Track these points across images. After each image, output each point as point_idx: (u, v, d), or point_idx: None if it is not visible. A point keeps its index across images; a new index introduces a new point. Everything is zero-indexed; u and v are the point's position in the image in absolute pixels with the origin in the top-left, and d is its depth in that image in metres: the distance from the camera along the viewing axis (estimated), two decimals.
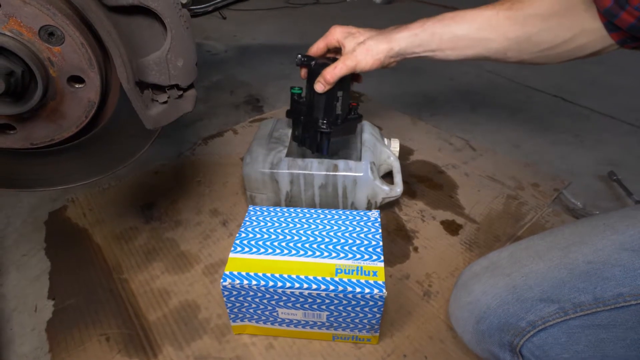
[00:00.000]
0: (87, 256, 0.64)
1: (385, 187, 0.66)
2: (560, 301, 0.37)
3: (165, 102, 0.43)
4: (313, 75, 0.60)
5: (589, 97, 1.14)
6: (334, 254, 0.49)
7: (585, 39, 0.49)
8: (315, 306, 0.47)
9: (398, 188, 0.67)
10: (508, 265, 0.42)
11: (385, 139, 0.76)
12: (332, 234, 0.52)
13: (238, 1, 0.67)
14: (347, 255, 0.49)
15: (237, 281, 0.45)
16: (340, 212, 0.56)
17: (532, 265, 0.40)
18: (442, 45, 0.56)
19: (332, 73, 0.58)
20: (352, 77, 0.65)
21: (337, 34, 0.61)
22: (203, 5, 0.65)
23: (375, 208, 0.68)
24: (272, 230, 0.53)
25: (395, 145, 0.76)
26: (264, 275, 0.46)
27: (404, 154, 0.88)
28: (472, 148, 0.91)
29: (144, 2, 0.37)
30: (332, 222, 0.54)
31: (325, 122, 0.61)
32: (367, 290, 0.44)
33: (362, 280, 0.45)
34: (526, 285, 0.39)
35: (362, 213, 0.56)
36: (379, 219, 0.55)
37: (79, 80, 0.39)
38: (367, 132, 0.72)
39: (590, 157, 0.90)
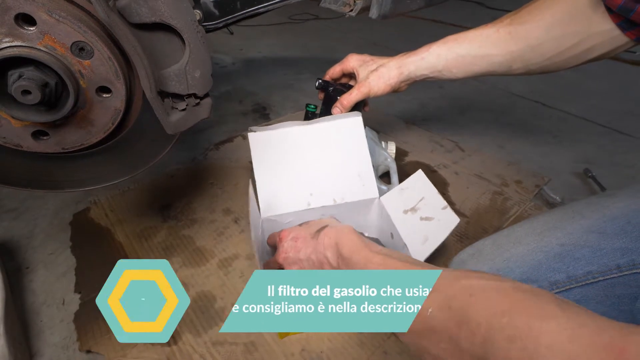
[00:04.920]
0: (110, 253, 0.65)
1: (384, 187, 0.67)
2: (538, 280, 0.38)
3: (184, 110, 0.44)
4: (329, 98, 0.63)
5: (567, 102, 1.16)
6: None
7: (592, 42, 0.47)
8: None
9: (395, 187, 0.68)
10: (491, 252, 0.43)
11: (383, 142, 0.78)
12: None
13: (246, 18, 0.68)
14: None
15: None
16: None
17: (513, 250, 0.42)
18: (448, 65, 0.57)
19: (348, 99, 0.60)
20: (362, 104, 0.67)
21: (352, 62, 0.63)
22: (214, 22, 0.66)
23: None
24: None
25: (391, 147, 0.77)
26: None
27: (400, 155, 0.89)
28: (461, 149, 0.93)
29: (165, 20, 0.38)
30: None
31: None
32: None
33: None
34: (508, 268, 0.40)
35: None
36: None
37: (107, 90, 0.41)
38: (367, 137, 0.73)
39: (568, 156, 0.91)
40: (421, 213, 0.52)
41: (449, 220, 0.50)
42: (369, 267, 0.33)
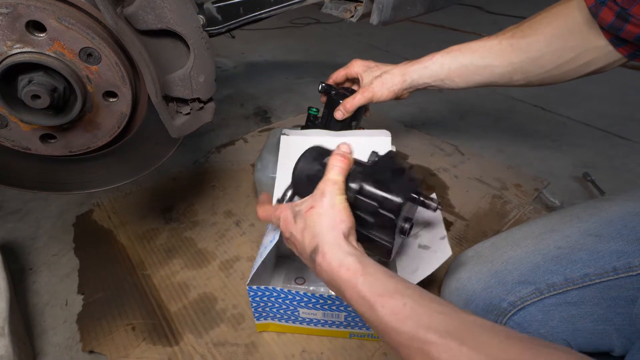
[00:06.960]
0: (113, 255, 0.66)
1: None
2: (536, 282, 0.39)
3: (188, 114, 0.45)
4: (331, 102, 0.64)
5: (566, 106, 1.17)
6: None
7: (589, 56, 0.49)
8: (334, 307, 0.48)
9: None
10: (490, 254, 0.44)
11: None
12: None
13: (249, 23, 0.69)
14: None
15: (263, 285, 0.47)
16: None
17: (511, 252, 0.42)
18: (451, 74, 0.58)
19: (352, 103, 0.61)
20: (364, 109, 0.68)
21: (356, 67, 0.64)
22: (217, 27, 0.67)
23: None
24: None
25: None
26: None
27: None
28: (461, 153, 0.93)
29: (171, 26, 0.39)
30: None
31: None
32: None
33: None
34: (506, 270, 0.41)
35: None
36: None
37: (113, 95, 0.42)
38: None
39: (567, 160, 0.92)
40: (420, 240, 0.52)
41: (442, 252, 0.48)
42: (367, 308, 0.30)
